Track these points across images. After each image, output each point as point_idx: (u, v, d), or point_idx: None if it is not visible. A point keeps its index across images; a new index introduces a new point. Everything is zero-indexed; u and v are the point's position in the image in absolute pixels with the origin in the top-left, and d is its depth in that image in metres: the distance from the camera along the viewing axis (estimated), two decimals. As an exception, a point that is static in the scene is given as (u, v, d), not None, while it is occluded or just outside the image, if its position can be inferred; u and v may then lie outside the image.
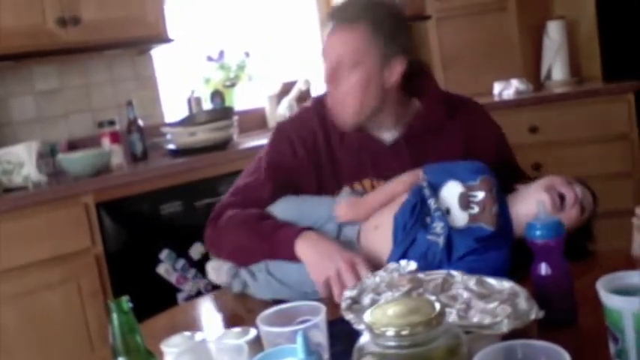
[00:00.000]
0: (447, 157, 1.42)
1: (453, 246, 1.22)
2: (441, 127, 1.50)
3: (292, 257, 1.31)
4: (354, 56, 1.41)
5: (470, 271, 1.08)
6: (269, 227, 1.37)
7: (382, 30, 1.41)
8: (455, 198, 1.29)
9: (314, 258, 1.29)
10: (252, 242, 1.38)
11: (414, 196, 1.32)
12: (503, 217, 1.25)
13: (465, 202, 1.27)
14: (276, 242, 1.34)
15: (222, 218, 1.46)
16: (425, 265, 1.19)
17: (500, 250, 1.21)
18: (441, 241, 1.23)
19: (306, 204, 1.45)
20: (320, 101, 1.56)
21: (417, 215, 1.29)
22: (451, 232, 1.23)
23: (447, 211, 1.28)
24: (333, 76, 1.43)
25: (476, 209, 1.25)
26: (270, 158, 1.53)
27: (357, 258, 1.27)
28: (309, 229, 1.36)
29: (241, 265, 1.41)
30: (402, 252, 1.27)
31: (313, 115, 1.55)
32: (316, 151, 1.51)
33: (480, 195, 1.26)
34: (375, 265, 1.27)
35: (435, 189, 1.32)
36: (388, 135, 1.51)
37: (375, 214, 1.38)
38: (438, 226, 1.26)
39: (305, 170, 1.50)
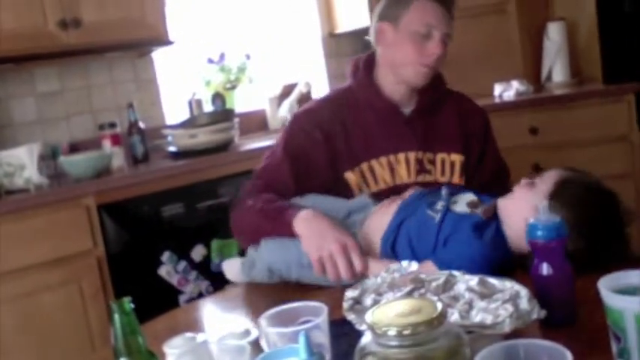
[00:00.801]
0: (449, 131, 1.66)
1: (441, 230, 1.32)
2: (440, 105, 1.69)
3: (292, 234, 1.41)
4: (451, 33, 1.61)
5: (449, 262, 1.20)
6: (277, 209, 1.47)
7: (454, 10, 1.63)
8: (465, 200, 1.39)
9: (308, 235, 1.38)
10: (262, 224, 1.47)
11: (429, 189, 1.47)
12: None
13: (473, 205, 1.37)
14: (280, 222, 1.44)
15: (242, 204, 1.56)
16: (417, 236, 1.35)
17: (469, 240, 1.27)
18: (437, 217, 1.35)
19: (325, 202, 1.51)
20: (331, 94, 1.74)
21: (424, 196, 1.43)
22: (449, 212, 1.34)
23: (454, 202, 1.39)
24: (444, 41, 1.59)
25: (479, 211, 1.34)
26: (286, 141, 1.65)
27: (349, 240, 1.34)
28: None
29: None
30: (400, 220, 1.39)
31: (330, 103, 1.69)
32: (331, 135, 1.62)
33: (485, 205, 1.36)
34: (369, 246, 1.39)
35: (453, 193, 1.43)
36: (406, 109, 1.67)
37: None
38: (439, 204, 1.37)
39: (320, 150, 1.61)
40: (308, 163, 1.60)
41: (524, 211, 1.21)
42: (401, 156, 1.62)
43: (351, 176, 1.60)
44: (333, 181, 1.60)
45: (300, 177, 1.59)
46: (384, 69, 1.66)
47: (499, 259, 1.27)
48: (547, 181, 1.30)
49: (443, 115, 1.69)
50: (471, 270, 1.12)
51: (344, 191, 1.58)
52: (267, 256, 1.44)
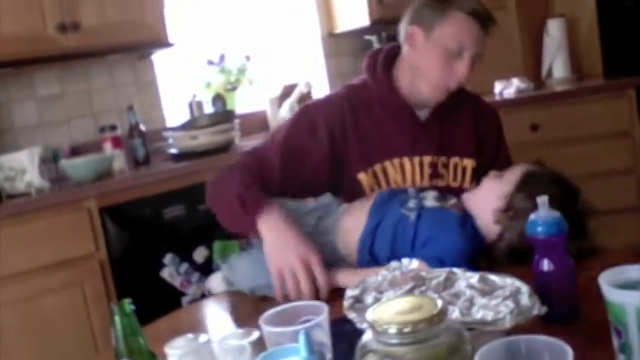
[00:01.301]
0: (464, 136, 1.63)
1: (419, 227, 1.34)
2: (455, 109, 1.64)
3: (256, 231, 1.39)
4: (484, 52, 1.56)
5: (429, 258, 1.25)
6: (253, 199, 1.42)
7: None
8: (431, 196, 1.43)
9: (271, 242, 1.36)
10: (234, 208, 1.43)
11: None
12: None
13: (440, 199, 1.43)
14: (250, 216, 1.40)
15: (227, 174, 1.56)
16: (393, 238, 1.36)
17: (457, 233, 1.31)
18: (412, 215, 1.37)
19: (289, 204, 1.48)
20: (349, 88, 1.67)
21: (394, 197, 1.44)
22: (422, 210, 1.37)
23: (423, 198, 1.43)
24: (473, 64, 1.55)
25: (448, 204, 1.41)
26: (287, 132, 1.60)
27: (313, 256, 1.33)
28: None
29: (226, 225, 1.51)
30: (375, 223, 1.39)
31: (343, 100, 1.63)
32: (341, 134, 1.58)
33: (452, 200, 1.43)
34: (349, 252, 1.40)
35: (418, 191, 1.47)
36: (423, 113, 1.62)
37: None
38: (412, 202, 1.40)
39: (321, 150, 1.56)
40: (302, 161, 1.56)
41: (492, 200, 1.32)
42: (416, 159, 1.58)
43: (363, 177, 1.57)
44: (335, 182, 1.57)
45: (288, 172, 1.55)
46: (405, 69, 1.61)
47: (477, 251, 1.32)
48: (513, 172, 1.36)
49: (460, 118, 1.64)
50: (459, 263, 1.16)
51: (356, 192, 1.55)
52: (248, 281, 1.42)
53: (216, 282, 1.55)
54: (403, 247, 1.35)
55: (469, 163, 1.61)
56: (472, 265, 1.24)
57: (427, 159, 1.59)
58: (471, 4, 1.52)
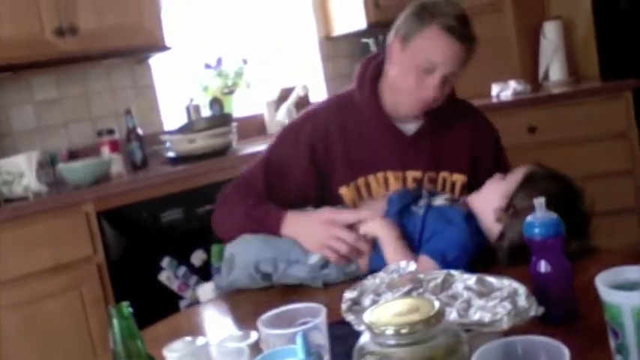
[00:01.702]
0: (457, 151, 1.60)
1: (426, 222, 1.39)
2: (450, 124, 1.61)
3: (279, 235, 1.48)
4: (459, 72, 1.52)
5: (433, 251, 1.30)
6: (262, 213, 1.51)
7: (472, 55, 1.53)
8: (443, 197, 1.47)
9: (302, 237, 1.44)
10: (248, 226, 1.50)
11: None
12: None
13: (451, 200, 1.46)
14: (266, 227, 1.48)
15: (224, 203, 1.60)
16: (405, 227, 1.39)
17: (460, 228, 1.34)
18: (421, 212, 1.41)
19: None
20: (338, 99, 1.67)
21: (408, 194, 1.48)
22: (430, 207, 1.41)
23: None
24: (444, 82, 1.51)
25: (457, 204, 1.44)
26: (268, 157, 1.63)
27: (328, 212, 1.43)
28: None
29: None
30: (395, 210, 1.42)
31: (330, 113, 1.62)
32: (326, 148, 1.58)
33: (461, 200, 1.46)
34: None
35: (432, 193, 1.51)
36: (411, 126, 1.60)
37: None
38: (422, 201, 1.44)
39: (302, 173, 1.58)
40: (285, 180, 1.58)
41: (494, 200, 1.34)
42: (399, 174, 1.57)
43: (345, 191, 1.57)
44: (322, 197, 1.57)
45: (273, 191, 1.57)
46: (387, 82, 1.59)
47: (481, 248, 1.34)
48: (517, 173, 1.37)
49: (454, 131, 1.62)
50: (461, 258, 1.23)
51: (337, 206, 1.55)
52: (253, 253, 1.44)
53: (205, 291, 1.58)
54: (411, 241, 1.38)
55: (459, 178, 1.59)
56: (474, 263, 1.28)
57: (412, 174, 1.57)
58: (450, 20, 1.46)
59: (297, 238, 1.44)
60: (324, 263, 1.41)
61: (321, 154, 1.58)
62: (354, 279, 1.37)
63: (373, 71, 1.61)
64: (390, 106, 1.58)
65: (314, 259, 1.41)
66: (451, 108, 1.60)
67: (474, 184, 1.55)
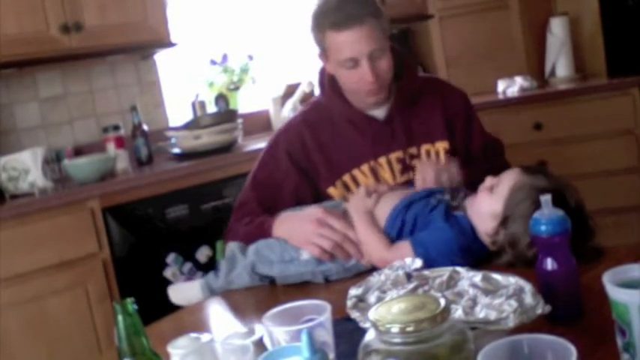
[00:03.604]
0: (431, 121, 1.65)
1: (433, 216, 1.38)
2: (419, 97, 1.66)
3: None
4: (380, 44, 1.54)
5: (425, 243, 1.31)
6: (257, 226, 1.55)
7: (379, 17, 1.55)
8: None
9: (289, 235, 1.46)
10: (248, 240, 1.54)
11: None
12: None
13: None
14: (263, 234, 1.52)
15: (228, 233, 1.65)
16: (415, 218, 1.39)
17: (452, 229, 1.33)
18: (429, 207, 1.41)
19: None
20: (307, 108, 1.73)
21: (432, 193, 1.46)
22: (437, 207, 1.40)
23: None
24: (372, 65, 1.53)
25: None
26: (255, 176, 1.70)
27: (321, 213, 1.43)
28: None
29: None
30: (409, 201, 1.42)
31: (300, 124, 1.69)
32: (305, 156, 1.64)
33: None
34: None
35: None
36: (381, 111, 1.65)
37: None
38: (437, 197, 1.43)
39: (290, 178, 1.63)
40: (277, 194, 1.62)
41: (486, 221, 1.31)
42: (382, 159, 1.62)
43: (333, 191, 1.62)
44: (317, 197, 1.62)
45: (268, 205, 1.61)
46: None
47: (474, 249, 1.32)
48: (503, 187, 1.31)
49: (424, 105, 1.67)
50: (443, 252, 1.26)
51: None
52: (251, 257, 1.47)
53: (181, 291, 1.60)
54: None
55: (441, 145, 1.64)
56: (471, 260, 1.27)
57: (394, 155, 1.62)
58: (333, 17, 1.52)
59: (287, 237, 1.46)
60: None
61: (302, 161, 1.64)
62: (357, 274, 1.38)
63: (329, 76, 1.68)
64: (353, 100, 1.64)
65: (305, 254, 1.43)
66: (417, 84, 1.67)
67: (454, 147, 1.63)
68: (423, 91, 1.68)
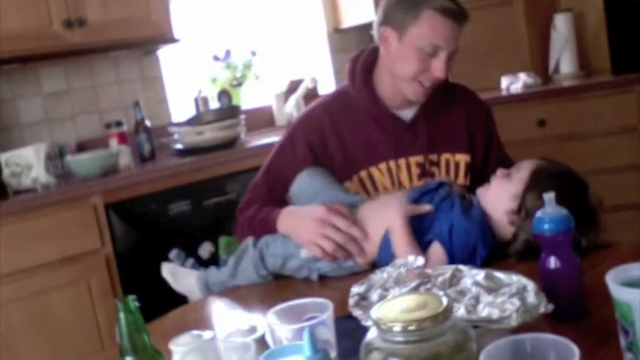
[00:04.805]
0: (455, 131, 1.62)
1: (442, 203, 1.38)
2: (446, 106, 1.63)
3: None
4: (459, 48, 1.53)
5: (447, 233, 1.31)
6: (260, 220, 1.54)
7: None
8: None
9: (292, 231, 1.45)
10: (253, 232, 1.54)
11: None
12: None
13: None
14: (267, 227, 1.51)
15: (235, 222, 1.64)
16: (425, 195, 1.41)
17: (470, 218, 1.34)
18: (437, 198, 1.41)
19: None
20: (331, 97, 1.69)
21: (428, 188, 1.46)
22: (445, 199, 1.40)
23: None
24: (451, 58, 1.52)
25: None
26: (271, 163, 1.67)
27: (324, 212, 1.40)
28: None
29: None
30: (420, 193, 1.43)
31: (322, 112, 1.64)
32: (324, 148, 1.60)
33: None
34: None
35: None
36: (408, 113, 1.62)
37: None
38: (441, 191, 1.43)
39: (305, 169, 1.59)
40: (288, 183, 1.58)
41: (504, 202, 1.33)
42: (401, 161, 1.59)
43: (349, 185, 1.59)
44: None
45: (279, 195, 1.59)
46: (385, 73, 1.60)
47: (488, 235, 1.33)
48: (522, 170, 1.35)
49: (450, 114, 1.64)
50: (467, 239, 1.27)
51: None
52: (259, 250, 1.48)
53: (174, 273, 1.61)
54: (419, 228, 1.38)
55: (462, 158, 1.61)
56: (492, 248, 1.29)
57: (414, 159, 1.59)
58: (442, 1, 1.48)
59: (290, 234, 1.45)
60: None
61: (320, 152, 1.61)
62: (353, 274, 1.38)
63: (364, 64, 1.63)
64: (390, 94, 1.60)
65: (304, 253, 1.43)
66: (444, 91, 1.62)
67: (473, 162, 1.61)
68: (450, 99, 1.65)
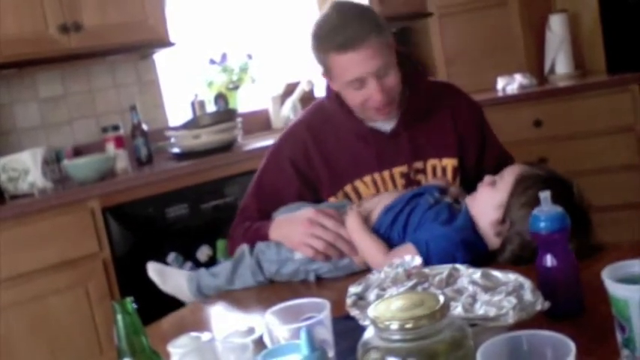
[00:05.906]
0: (441, 135, 1.60)
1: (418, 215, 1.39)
2: (430, 110, 1.61)
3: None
4: (385, 60, 1.48)
5: (424, 241, 1.30)
6: (254, 232, 1.56)
7: (382, 32, 1.48)
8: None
9: (283, 237, 1.47)
10: (249, 241, 1.55)
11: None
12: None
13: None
14: (261, 238, 1.53)
15: (231, 236, 1.66)
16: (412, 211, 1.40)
17: (450, 226, 1.33)
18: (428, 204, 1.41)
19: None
20: (310, 114, 1.70)
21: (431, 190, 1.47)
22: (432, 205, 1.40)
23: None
24: (379, 83, 1.49)
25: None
26: (259, 179, 1.69)
27: (313, 214, 1.43)
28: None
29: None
30: (412, 195, 1.44)
31: (303, 129, 1.66)
32: (307, 165, 1.62)
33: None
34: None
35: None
36: (387, 124, 1.60)
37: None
38: (435, 195, 1.44)
39: (292, 184, 1.62)
40: (278, 200, 1.60)
41: (489, 212, 1.31)
42: (385, 173, 1.58)
43: (334, 201, 1.59)
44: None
45: (268, 213, 1.59)
46: None
47: (476, 246, 1.32)
48: (506, 179, 1.33)
49: (434, 118, 1.61)
50: (446, 249, 1.27)
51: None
52: (255, 257, 1.49)
53: (160, 272, 1.66)
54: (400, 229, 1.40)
55: (449, 162, 1.59)
56: (473, 255, 1.27)
57: (397, 170, 1.58)
58: (333, 39, 1.47)
59: (282, 240, 1.47)
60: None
61: (304, 169, 1.62)
62: (351, 274, 1.38)
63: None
64: (361, 114, 1.60)
65: (298, 254, 1.44)
66: (427, 94, 1.62)
67: (464, 165, 1.59)
68: (434, 102, 1.63)
